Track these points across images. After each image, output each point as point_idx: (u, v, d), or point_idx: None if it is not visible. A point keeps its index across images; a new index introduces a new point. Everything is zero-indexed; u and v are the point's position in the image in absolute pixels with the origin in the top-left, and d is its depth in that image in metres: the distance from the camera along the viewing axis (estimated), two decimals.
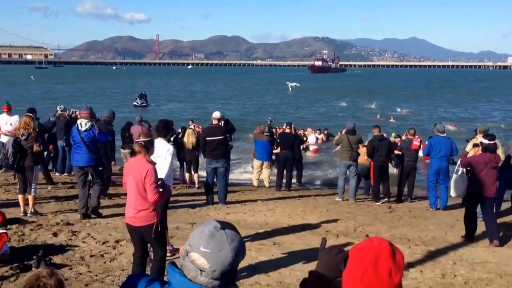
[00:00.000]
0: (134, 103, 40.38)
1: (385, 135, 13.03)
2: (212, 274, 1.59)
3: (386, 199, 11.32)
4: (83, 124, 8.50)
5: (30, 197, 8.41)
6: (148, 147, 5.17)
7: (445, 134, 10.77)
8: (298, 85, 45.43)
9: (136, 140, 5.34)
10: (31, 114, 8.87)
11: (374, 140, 11.48)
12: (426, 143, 11.18)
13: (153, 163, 5.16)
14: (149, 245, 5.36)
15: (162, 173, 5.96)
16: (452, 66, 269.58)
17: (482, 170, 7.48)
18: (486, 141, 7.52)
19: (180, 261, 1.66)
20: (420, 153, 12.10)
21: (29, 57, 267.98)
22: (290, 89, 44.14)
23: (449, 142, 10.49)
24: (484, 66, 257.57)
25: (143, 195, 5.02)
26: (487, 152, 7.51)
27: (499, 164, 7.81)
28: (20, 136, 8.31)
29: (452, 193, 8.35)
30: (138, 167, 5.03)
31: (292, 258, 6.55)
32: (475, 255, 7.10)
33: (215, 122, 10.39)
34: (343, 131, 12.42)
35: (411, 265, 6.47)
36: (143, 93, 42.67)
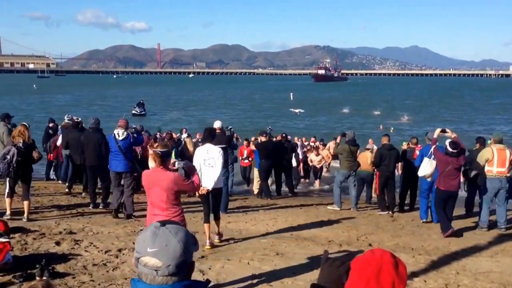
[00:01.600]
0: (133, 111, 40.48)
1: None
2: (167, 269, 1.60)
3: (389, 211, 11.10)
4: (120, 133, 9.22)
5: (25, 203, 8.67)
6: (165, 158, 5.14)
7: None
8: (302, 111, 44.88)
9: (154, 149, 5.37)
10: (25, 123, 9.00)
11: (383, 149, 11.25)
12: (417, 153, 10.74)
13: (170, 169, 5.22)
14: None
15: (216, 172, 7.26)
16: (454, 74, 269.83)
17: (444, 170, 8.77)
18: (450, 149, 8.72)
19: (136, 271, 1.67)
20: None
21: (31, 66, 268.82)
22: (296, 114, 43.58)
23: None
24: (486, 74, 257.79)
25: (174, 203, 5.16)
26: (448, 156, 8.77)
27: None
28: (20, 144, 8.43)
29: (420, 172, 9.49)
30: (162, 178, 5.06)
31: (294, 268, 6.53)
32: (478, 265, 7.07)
33: (217, 131, 10.40)
34: (338, 139, 12.29)
35: (414, 274, 6.46)
36: (141, 101, 42.81)
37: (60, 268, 6.13)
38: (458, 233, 8.85)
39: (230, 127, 13.86)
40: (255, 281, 6.02)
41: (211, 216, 7.66)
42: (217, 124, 10.49)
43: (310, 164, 16.08)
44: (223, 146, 10.11)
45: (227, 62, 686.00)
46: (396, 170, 11.88)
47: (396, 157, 11.22)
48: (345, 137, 11.79)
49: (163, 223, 1.67)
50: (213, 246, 7.52)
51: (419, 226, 9.61)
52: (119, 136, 9.22)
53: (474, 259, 7.40)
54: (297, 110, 45.11)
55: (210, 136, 7.63)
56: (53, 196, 11.45)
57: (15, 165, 8.23)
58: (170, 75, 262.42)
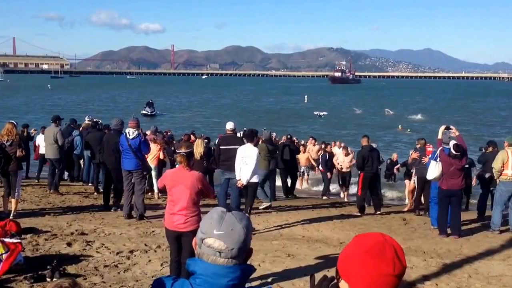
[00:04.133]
0: (143, 111, 40.57)
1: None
2: (230, 252, 1.69)
3: (378, 212, 11.05)
4: (130, 132, 9.44)
5: (13, 201, 8.79)
6: (190, 158, 5.52)
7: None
8: (326, 113, 44.46)
9: (177, 150, 5.76)
10: (13, 122, 9.17)
11: (364, 150, 11.22)
12: (430, 155, 10.42)
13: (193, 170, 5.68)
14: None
15: (249, 169, 8.32)
16: (467, 77, 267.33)
17: (447, 171, 8.87)
18: (453, 152, 8.80)
19: (197, 251, 1.75)
20: None
21: (45, 66, 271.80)
22: (320, 117, 43.09)
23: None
24: (500, 77, 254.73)
25: (195, 202, 5.45)
26: (451, 157, 8.86)
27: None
28: (4, 142, 8.58)
29: (428, 176, 9.39)
30: (187, 177, 5.41)
31: (306, 269, 6.51)
32: (490, 268, 6.99)
33: (229, 132, 10.41)
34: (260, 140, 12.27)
35: (426, 278, 6.40)
36: (150, 101, 42.87)
37: (71, 269, 6.16)
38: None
39: (264, 128, 14.09)
40: (266, 282, 6.00)
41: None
42: (229, 126, 10.48)
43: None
44: (236, 147, 10.12)
45: (241, 64, 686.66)
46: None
47: (378, 158, 11.30)
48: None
49: (229, 209, 1.76)
50: None
51: (431, 229, 9.52)
52: (129, 135, 9.42)
53: (486, 262, 7.31)
54: (321, 113, 44.61)
55: (250, 136, 8.72)
56: (65, 196, 11.55)
57: None
58: (184, 76, 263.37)
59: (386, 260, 1.61)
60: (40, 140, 13.27)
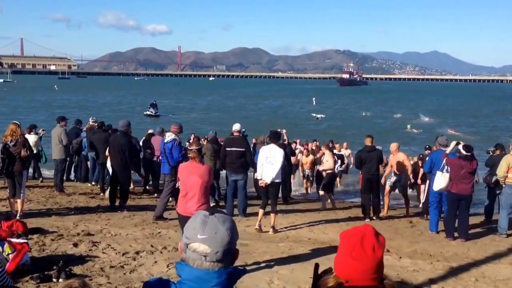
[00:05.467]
0: (147, 112, 40.57)
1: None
2: (216, 256, 1.69)
3: (374, 217, 10.75)
4: (166, 136, 9.80)
5: (19, 201, 8.82)
6: (200, 153, 6.62)
7: (448, 148, 9.76)
8: (323, 116, 44.38)
9: (189, 148, 6.76)
10: (17, 122, 9.20)
11: (363, 151, 10.82)
12: (427, 158, 10.23)
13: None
14: None
15: (275, 169, 8.59)
16: (474, 80, 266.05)
17: (459, 173, 8.73)
18: (464, 152, 8.72)
19: (182, 256, 1.75)
20: None
21: (52, 67, 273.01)
22: (318, 119, 42.89)
23: (452, 157, 9.38)
24: (507, 80, 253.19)
25: (205, 190, 6.35)
26: (462, 159, 8.76)
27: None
28: (8, 142, 8.61)
29: (434, 187, 9.31)
30: (200, 169, 6.35)
31: (311, 272, 6.46)
32: (497, 272, 6.95)
33: (235, 134, 10.43)
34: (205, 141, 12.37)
35: (432, 281, 6.37)
36: (154, 102, 42.87)
37: (77, 270, 6.18)
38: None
39: (243, 130, 13.84)
40: (272, 284, 5.99)
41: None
42: (236, 127, 10.50)
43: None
44: (240, 149, 10.14)
45: (247, 65, 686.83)
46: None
47: (378, 159, 10.77)
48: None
49: (212, 212, 1.77)
50: (260, 230, 8.83)
51: (438, 233, 9.46)
52: (165, 138, 9.74)
53: (493, 266, 7.27)
54: (319, 116, 44.51)
55: (274, 137, 8.98)
56: (71, 197, 11.59)
57: (0, 163, 8.41)
58: (191, 78, 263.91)
59: (350, 243, 1.92)
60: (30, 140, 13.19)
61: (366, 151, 10.71)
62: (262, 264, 6.77)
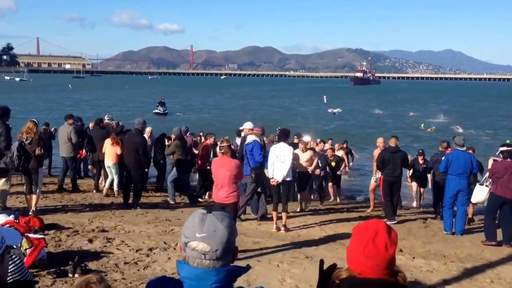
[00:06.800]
0: (156, 110, 40.63)
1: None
2: (215, 254, 1.68)
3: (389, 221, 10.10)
4: (248, 138, 9.62)
5: (34, 197, 8.95)
6: (230, 150, 7.45)
7: (464, 148, 9.70)
8: (340, 110, 43.65)
9: (220, 145, 7.75)
10: (35, 120, 9.29)
11: (386, 151, 10.45)
12: (443, 158, 9.88)
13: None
14: None
15: (285, 167, 8.66)
16: (489, 79, 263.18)
17: (504, 175, 8.44)
18: (505, 149, 8.66)
19: (182, 255, 1.75)
20: None
21: (67, 66, 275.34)
22: (334, 114, 42.14)
23: (469, 157, 9.43)
24: None
25: (234, 181, 7.22)
26: (504, 158, 8.63)
27: None
28: (24, 140, 8.70)
29: (473, 199, 9.31)
30: (229, 163, 7.23)
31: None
32: None
33: (247, 133, 10.35)
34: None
35: (447, 282, 6.34)
36: (163, 100, 42.95)
37: (92, 265, 6.25)
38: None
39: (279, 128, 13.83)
40: (284, 283, 6.01)
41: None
42: (248, 125, 10.47)
43: None
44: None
45: (259, 64, 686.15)
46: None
47: (403, 161, 10.30)
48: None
49: (209, 210, 1.77)
50: (278, 230, 8.86)
51: (453, 233, 9.38)
52: (247, 140, 9.60)
53: (509, 267, 7.21)
54: (335, 110, 43.79)
55: (284, 135, 9.05)
56: (86, 193, 11.71)
57: (16, 160, 8.51)
58: (203, 77, 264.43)
59: (362, 241, 1.95)
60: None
61: (390, 152, 10.28)
62: (274, 263, 6.79)
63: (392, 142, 10.44)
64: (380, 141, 11.60)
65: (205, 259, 1.68)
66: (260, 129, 9.92)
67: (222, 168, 7.18)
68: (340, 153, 14.46)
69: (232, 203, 7.26)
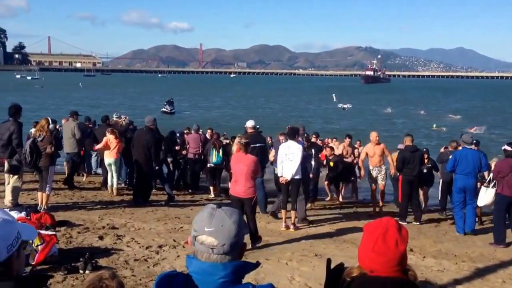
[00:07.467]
0: (163, 109, 40.69)
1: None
2: (223, 248, 1.70)
3: (418, 222, 10.09)
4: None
5: (44, 195, 9.00)
6: (247, 146, 7.58)
7: (472, 146, 9.53)
8: (350, 106, 43.34)
9: (238, 141, 7.68)
10: (48, 118, 9.39)
11: (406, 151, 10.27)
12: (450, 157, 9.72)
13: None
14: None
15: (294, 165, 8.66)
16: (501, 77, 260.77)
17: (508, 173, 8.30)
18: (509, 148, 8.46)
19: (192, 249, 1.77)
20: None
21: (78, 65, 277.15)
22: (344, 109, 41.76)
23: (477, 155, 9.19)
24: None
25: (251, 176, 7.42)
26: (509, 157, 8.46)
27: None
28: (37, 137, 8.81)
29: (479, 202, 9.03)
30: (246, 159, 7.45)
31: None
32: None
33: (250, 131, 10.32)
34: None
35: (458, 281, 6.29)
36: (171, 99, 43.00)
37: (102, 262, 6.29)
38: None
39: (257, 126, 13.67)
40: (293, 281, 6.00)
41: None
42: (250, 124, 10.44)
43: None
44: (261, 145, 10.12)
45: (268, 63, 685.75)
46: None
47: (421, 160, 10.30)
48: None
49: (219, 205, 1.79)
50: (288, 228, 8.86)
51: (465, 234, 9.27)
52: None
53: None
54: (345, 106, 43.39)
55: (292, 134, 9.01)
56: (97, 191, 11.78)
57: (28, 156, 8.58)
58: (212, 75, 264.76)
59: (372, 238, 1.98)
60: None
61: (410, 151, 10.17)
62: (283, 261, 6.78)
63: (409, 141, 10.32)
64: (373, 135, 11.30)
65: (213, 253, 1.71)
66: (302, 129, 10.03)
67: (240, 164, 7.43)
68: (340, 149, 13.48)
69: (250, 197, 7.47)
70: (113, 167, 11.39)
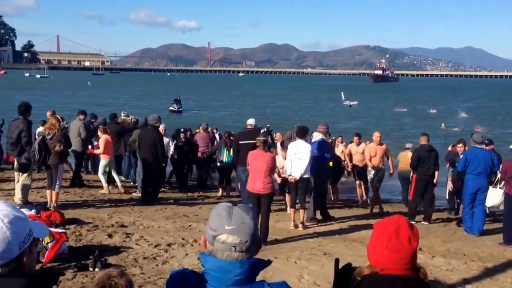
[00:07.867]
0: (171, 108, 40.60)
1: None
2: (245, 245, 1.71)
3: (423, 221, 10.03)
4: (314, 136, 9.53)
5: (53, 193, 9.05)
6: (265, 144, 7.79)
7: (483, 146, 9.35)
8: (356, 103, 43.13)
9: (257, 138, 7.87)
10: (58, 116, 9.44)
11: (421, 150, 10.14)
12: (461, 156, 9.64)
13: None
14: None
15: (303, 164, 8.64)
16: (511, 76, 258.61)
17: None
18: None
19: (208, 248, 1.76)
20: None
21: (87, 63, 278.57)
22: (350, 106, 41.49)
23: (488, 155, 9.06)
24: None
25: (269, 173, 7.70)
26: None
27: None
28: (46, 135, 8.86)
29: (487, 203, 8.96)
30: (264, 155, 7.68)
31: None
32: None
33: (248, 127, 10.25)
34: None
35: (467, 281, 6.26)
36: (178, 98, 42.94)
37: (112, 259, 6.33)
38: None
39: (268, 125, 13.65)
40: (302, 280, 6.00)
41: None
42: (250, 121, 10.41)
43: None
44: (254, 142, 10.02)
45: (276, 61, 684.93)
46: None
47: (436, 159, 10.11)
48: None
49: (234, 203, 1.80)
50: (296, 227, 8.86)
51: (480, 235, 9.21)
52: (312, 138, 9.46)
53: None
54: (352, 103, 43.10)
55: (301, 133, 8.98)
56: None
57: (37, 154, 8.64)
58: (220, 74, 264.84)
59: (385, 235, 1.97)
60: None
61: (426, 151, 10.01)
62: (292, 260, 6.78)
63: (424, 140, 10.18)
64: (376, 135, 11.31)
65: (234, 251, 1.71)
66: (325, 127, 9.95)
67: (258, 161, 7.65)
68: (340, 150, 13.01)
69: (268, 193, 7.69)
70: (111, 166, 11.45)
